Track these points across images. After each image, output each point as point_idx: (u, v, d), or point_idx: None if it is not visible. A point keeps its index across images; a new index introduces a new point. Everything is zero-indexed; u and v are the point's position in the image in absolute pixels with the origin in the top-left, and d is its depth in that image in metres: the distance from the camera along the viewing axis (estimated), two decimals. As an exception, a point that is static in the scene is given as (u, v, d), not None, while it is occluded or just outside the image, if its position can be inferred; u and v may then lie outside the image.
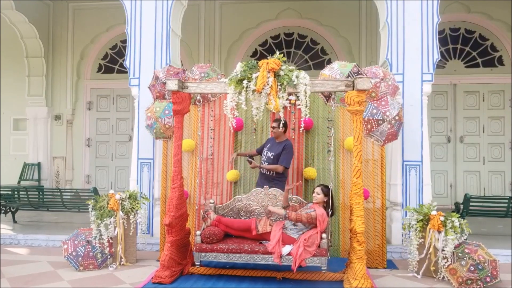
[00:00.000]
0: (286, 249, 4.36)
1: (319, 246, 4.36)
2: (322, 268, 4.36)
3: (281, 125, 4.96)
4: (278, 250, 4.34)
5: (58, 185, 9.86)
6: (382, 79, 5.01)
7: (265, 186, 5.03)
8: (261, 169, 5.27)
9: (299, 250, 4.29)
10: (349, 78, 4.57)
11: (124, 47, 7.05)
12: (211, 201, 5.13)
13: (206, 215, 4.87)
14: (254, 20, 9.53)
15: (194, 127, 5.70)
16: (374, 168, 5.28)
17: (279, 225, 4.61)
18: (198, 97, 5.24)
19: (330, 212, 4.57)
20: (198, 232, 4.62)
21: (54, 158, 10.11)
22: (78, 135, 10.12)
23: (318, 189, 4.66)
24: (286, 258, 4.34)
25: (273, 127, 5.21)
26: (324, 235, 4.38)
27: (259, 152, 5.44)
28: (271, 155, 5.17)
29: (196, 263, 4.59)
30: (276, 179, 5.15)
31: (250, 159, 5.28)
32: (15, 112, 10.10)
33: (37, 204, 7.13)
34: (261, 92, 4.12)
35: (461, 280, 4.45)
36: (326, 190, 4.62)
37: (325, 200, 4.59)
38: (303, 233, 4.50)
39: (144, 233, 5.46)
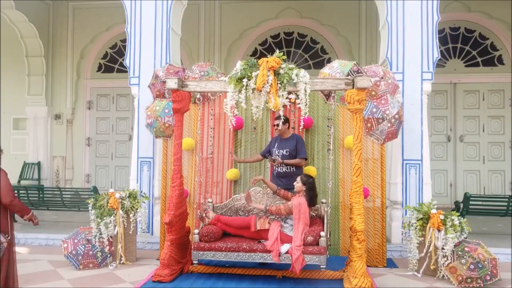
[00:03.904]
0: (285, 247, 4.36)
1: (317, 244, 4.35)
2: (321, 266, 4.36)
3: (282, 120, 5.02)
4: (276, 248, 4.34)
5: (58, 185, 9.86)
6: (382, 78, 5.01)
7: (263, 185, 5.01)
8: (278, 168, 5.18)
9: (294, 253, 4.27)
10: (349, 77, 4.57)
11: (124, 47, 7.06)
12: (210, 200, 5.12)
13: (204, 215, 4.86)
14: (254, 20, 9.53)
15: (194, 126, 5.70)
16: (374, 167, 5.28)
17: (277, 223, 4.62)
18: (198, 96, 5.24)
19: (328, 208, 4.58)
20: (196, 231, 4.62)
21: (54, 157, 10.11)
22: (78, 134, 10.12)
23: (298, 178, 4.70)
24: (284, 256, 4.34)
25: (277, 125, 5.19)
26: (322, 233, 4.38)
27: (264, 155, 5.34)
28: (286, 152, 5.12)
29: (194, 261, 4.58)
30: (294, 175, 5.13)
31: (272, 158, 5.11)
32: (15, 112, 10.10)
33: (37, 203, 7.13)
34: (261, 91, 4.12)
35: (461, 278, 4.46)
36: (305, 179, 4.63)
37: (303, 189, 4.60)
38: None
39: (144, 232, 5.47)
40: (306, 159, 5.23)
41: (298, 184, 4.65)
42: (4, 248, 3.51)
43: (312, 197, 4.62)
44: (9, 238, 3.57)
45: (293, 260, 4.25)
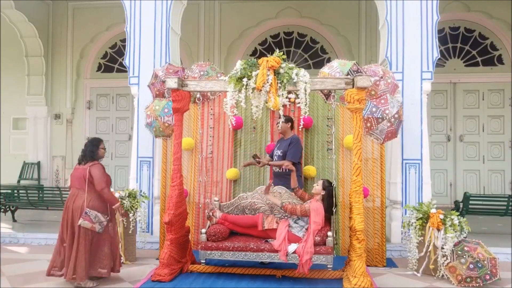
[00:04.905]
0: (292, 247, 4.37)
1: (324, 244, 4.36)
2: (328, 266, 4.37)
3: (282, 119, 5.07)
4: (284, 248, 4.35)
5: (57, 184, 9.85)
6: (381, 77, 5.00)
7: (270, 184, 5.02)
8: (274, 168, 5.22)
9: (304, 256, 4.26)
10: (349, 76, 4.57)
11: (124, 46, 7.06)
12: (216, 199, 5.12)
13: (211, 214, 4.86)
14: (253, 19, 9.53)
15: (194, 126, 5.70)
16: (373, 166, 5.28)
17: (285, 223, 4.61)
18: (198, 95, 5.25)
19: (334, 210, 4.58)
20: (204, 230, 4.62)
21: (54, 157, 10.11)
22: (78, 134, 10.10)
23: (319, 181, 4.69)
24: (291, 256, 4.35)
25: (277, 123, 5.23)
26: (329, 233, 4.38)
27: (272, 156, 5.37)
28: (280, 152, 5.14)
29: (202, 261, 4.59)
30: (287, 175, 5.07)
31: (257, 160, 5.20)
32: (15, 111, 10.10)
33: (36, 203, 7.13)
34: (261, 90, 4.12)
35: (460, 278, 4.46)
36: (326, 185, 4.62)
37: (322, 193, 4.59)
38: (306, 231, 4.49)
39: (143, 232, 5.46)
40: (294, 162, 5.02)
41: (318, 187, 4.64)
42: (104, 226, 4.33)
43: (330, 205, 4.57)
44: (108, 218, 4.38)
45: (302, 262, 4.24)
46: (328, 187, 4.61)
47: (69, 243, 4.27)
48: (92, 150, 4.45)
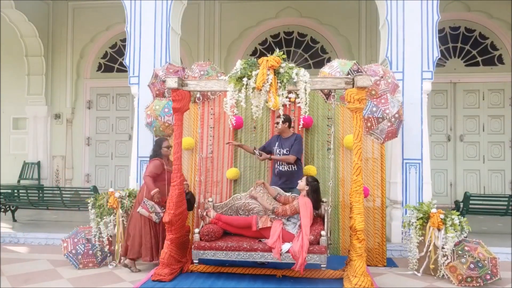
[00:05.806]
0: (286, 246, 4.36)
1: (318, 243, 4.35)
2: (322, 265, 4.36)
3: (281, 118, 5.04)
4: (278, 246, 4.34)
5: (58, 184, 9.85)
6: (382, 77, 5.01)
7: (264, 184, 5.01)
8: (279, 167, 5.18)
9: (303, 253, 4.25)
10: (349, 76, 4.57)
11: (124, 46, 7.06)
12: (210, 199, 5.12)
13: (205, 214, 4.86)
14: (254, 19, 9.53)
15: (194, 125, 5.70)
16: (374, 166, 5.28)
17: (279, 221, 4.61)
18: (198, 95, 5.24)
19: (330, 209, 4.57)
20: (197, 230, 4.62)
21: (54, 157, 10.11)
22: (78, 134, 10.11)
23: (303, 178, 4.72)
24: (285, 255, 4.34)
25: (277, 123, 5.21)
26: (323, 233, 4.37)
27: (262, 150, 5.33)
28: (286, 151, 5.10)
29: (195, 261, 4.58)
30: (295, 174, 5.07)
31: (259, 152, 5.17)
32: (15, 111, 10.09)
33: (36, 203, 7.13)
34: (261, 90, 4.12)
35: (461, 277, 4.46)
36: (310, 180, 4.64)
37: (306, 189, 4.60)
38: (300, 227, 4.49)
39: (143, 231, 5.45)
40: (298, 158, 5.11)
41: (302, 182, 4.66)
42: (161, 217, 4.80)
43: (316, 200, 4.60)
44: (164, 210, 4.74)
45: (301, 261, 4.22)
46: (311, 183, 4.62)
47: (135, 230, 4.85)
48: (155, 150, 5.06)
